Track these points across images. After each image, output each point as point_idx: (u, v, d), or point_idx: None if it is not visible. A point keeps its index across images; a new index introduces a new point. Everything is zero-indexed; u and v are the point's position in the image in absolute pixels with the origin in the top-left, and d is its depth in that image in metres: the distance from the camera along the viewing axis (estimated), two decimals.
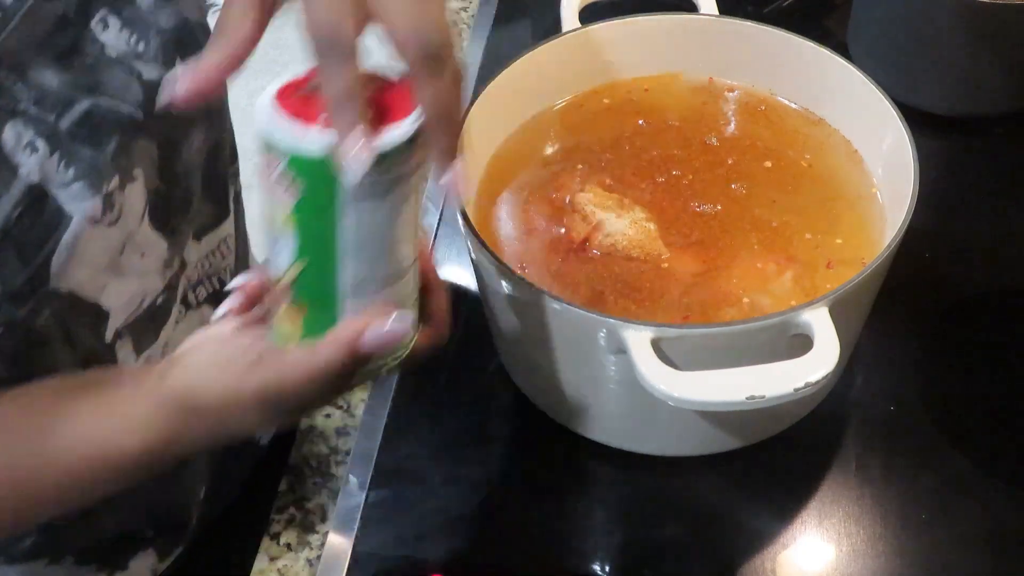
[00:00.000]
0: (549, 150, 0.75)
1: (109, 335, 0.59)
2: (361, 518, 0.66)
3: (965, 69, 0.86)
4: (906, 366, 0.73)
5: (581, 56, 0.76)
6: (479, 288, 0.69)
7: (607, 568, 0.64)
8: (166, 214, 0.61)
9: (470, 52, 1.00)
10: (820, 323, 0.55)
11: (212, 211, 0.68)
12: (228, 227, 0.70)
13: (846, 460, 0.68)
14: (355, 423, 0.73)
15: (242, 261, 0.74)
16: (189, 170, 0.63)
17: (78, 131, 0.54)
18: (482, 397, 0.72)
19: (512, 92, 0.73)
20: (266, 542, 0.68)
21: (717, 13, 0.78)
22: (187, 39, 0.60)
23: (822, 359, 0.54)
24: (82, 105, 0.54)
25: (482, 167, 0.73)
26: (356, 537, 0.66)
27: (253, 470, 0.82)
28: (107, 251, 0.56)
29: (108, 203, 0.55)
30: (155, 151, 0.59)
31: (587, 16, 0.78)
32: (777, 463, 0.68)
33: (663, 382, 0.54)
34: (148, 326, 0.62)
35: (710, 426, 0.64)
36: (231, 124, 0.72)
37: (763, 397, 0.53)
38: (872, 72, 0.69)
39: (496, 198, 0.71)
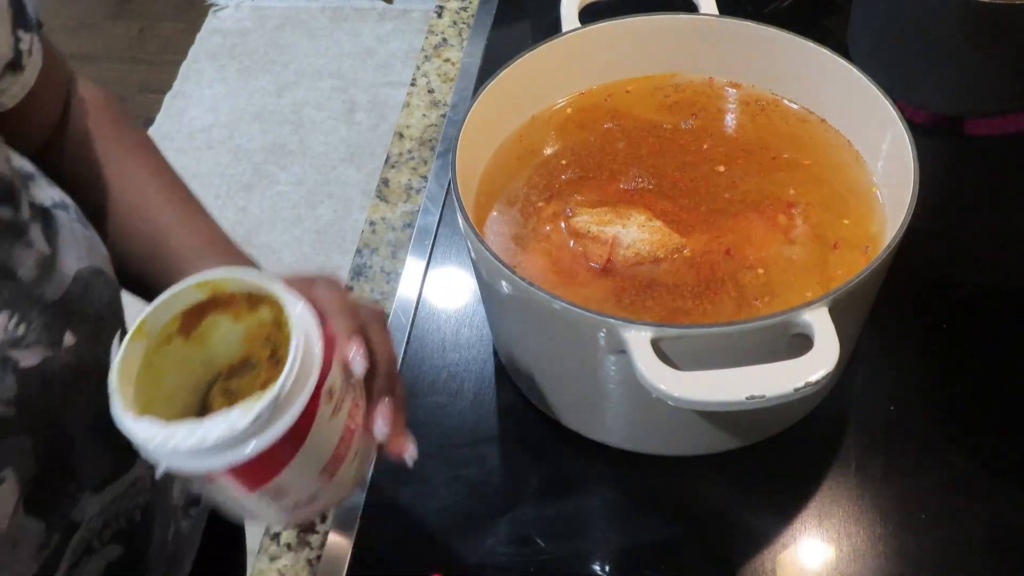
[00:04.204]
0: (548, 154, 0.75)
1: None
2: (361, 518, 0.67)
3: (965, 69, 0.86)
4: (906, 366, 0.73)
5: (581, 56, 0.76)
6: (479, 288, 0.69)
7: (607, 568, 0.64)
8: (46, 496, 0.53)
9: (470, 52, 1.01)
10: (820, 323, 0.55)
11: (114, 463, 0.59)
12: (138, 470, 0.62)
13: (846, 460, 0.68)
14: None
15: (164, 480, 0.67)
16: (77, 441, 0.55)
17: None
18: (482, 397, 0.72)
19: (512, 92, 0.73)
20: (266, 542, 0.68)
21: (717, 13, 0.78)
22: (76, 306, 0.53)
23: (822, 359, 0.54)
24: None
25: (482, 167, 0.73)
26: (356, 537, 0.66)
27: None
28: None
29: None
30: (29, 443, 0.51)
31: (587, 16, 0.79)
32: (777, 463, 0.68)
33: (663, 382, 0.54)
34: None
35: (710, 426, 0.64)
36: None
37: (763, 397, 0.53)
38: (872, 72, 0.69)
39: (496, 198, 0.71)
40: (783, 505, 0.66)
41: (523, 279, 0.59)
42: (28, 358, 0.50)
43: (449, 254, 0.82)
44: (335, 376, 0.47)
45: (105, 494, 0.59)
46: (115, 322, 0.57)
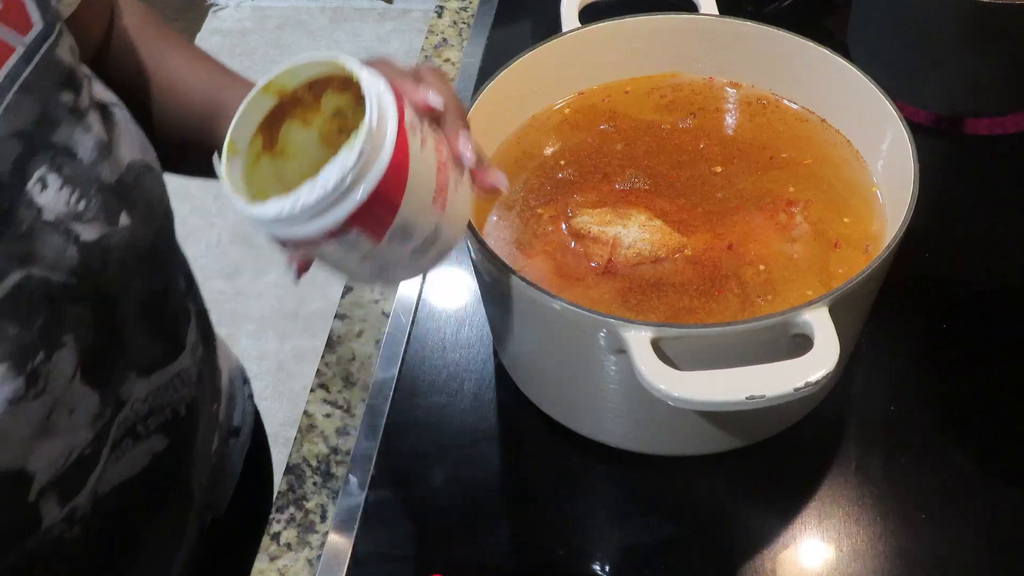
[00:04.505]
0: (546, 155, 0.75)
1: (33, 495, 0.55)
2: (361, 518, 0.67)
3: (965, 69, 0.86)
4: (906, 366, 0.73)
5: (581, 56, 0.76)
6: (479, 288, 0.69)
7: (607, 568, 0.64)
8: (100, 369, 0.57)
9: (470, 52, 1.01)
10: (820, 323, 0.55)
11: (161, 350, 0.64)
12: (184, 362, 0.66)
13: (846, 460, 0.68)
14: (355, 423, 0.73)
15: (208, 379, 0.72)
16: (129, 320, 0.59)
17: (6, 307, 0.50)
18: (482, 397, 0.72)
19: (512, 92, 0.73)
20: (266, 542, 0.68)
21: (717, 13, 0.78)
22: (130, 191, 0.57)
23: (822, 359, 0.54)
24: (13, 278, 0.50)
25: None
26: (356, 537, 0.66)
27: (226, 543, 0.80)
28: (32, 422, 0.52)
29: (33, 379, 0.51)
30: (89, 314, 0.55)
31: (587, 16, 0.79)
32: (777, 463, 0.68)
33: (663, 382, 0.54)
34: (74, 476, 0.57)
35: (710, 426, 0.64)
36: (183, 257, 0.69)
37: (763, 397, 0.53)
38: (872, 72, 0.69)
39: (496, 198, 0.71)
40: (783, 505, 0.66)
41: (523, 279, 0.59)
42: (88, 232, 0.54)
43: (449, 254, 0.82)
44: (410, 114, 0.51)
45: (152, 380, 0.62)
46: (165, 213, 0.62)
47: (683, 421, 0.64)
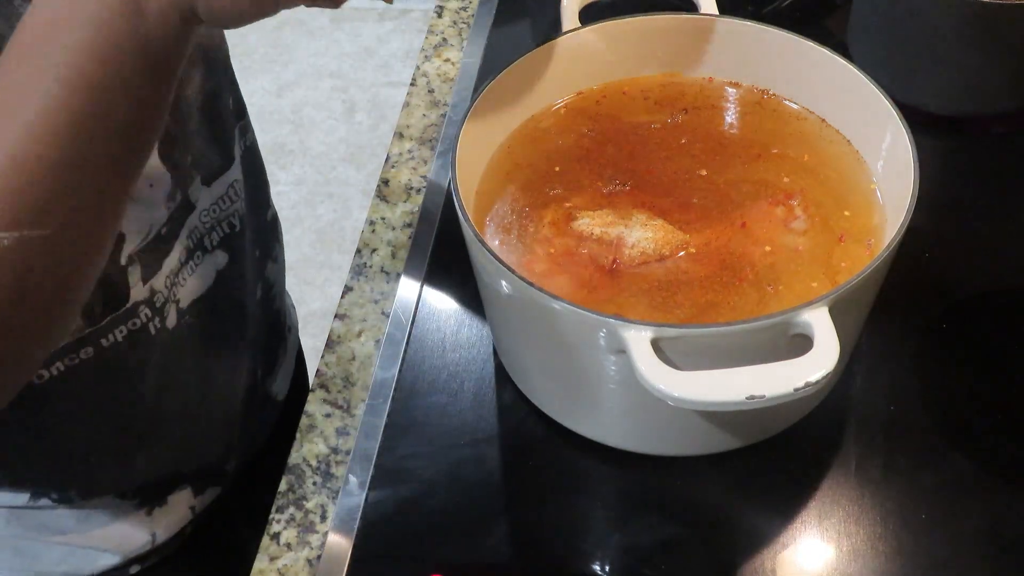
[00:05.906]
0: (545, 156, 0.75)
1: (124, 258, 0.64)
2: (361, 518, 0.67)
3: (965, 69, 0.86)
4: (906, 366, 0.73)
5: (581, 56, 0.76)
6: (479, 288, 0.69)
7: (607, 568, 0.64)
8: (169, 148, 0.65)
9: (470, 52, 1.01)
10: (820, 323, 0.55)
11: (217, 156, 0.72)
12: (235, 173, 0.74)
13: (846, 460, 0.68)
14: (355, 423, 0.73)
15: (255, 207, 0.80)
16: (190, 109, 0.68)
17: None
18: (482, 397, 0.72)
19: (512, 92, 0.73)
20: (266, 542, 0.68)
21: (717, 13, 0.78)
22: None
23: (822, 359, 0.54)
24: None
25: (482, 167, 0.73)
26: (356, 537, 0.66)
27: (275, 423, 0.89)
28: None
29: None
30: None
31: (587, 16, 0.79)
32: (777, 463, 0.68)
33: (663, 382, 0.54)
34: (153, 255, 0.66)
35: (710, 426, 0.64)
36: (235, 78, 0.76)
37: (763, 397, 0.53)
38: (872, 72, 0.69)
39: (496, 199, 0.71)
40: (783, 505, 0.66)
41: (523, 279, 0.59)
42: None
43: (449, 254, 0.82)
44: None
45: (212, 189, 0.71)
46: (221, 36, 0.71)
47: (683, 421, 0.64)
